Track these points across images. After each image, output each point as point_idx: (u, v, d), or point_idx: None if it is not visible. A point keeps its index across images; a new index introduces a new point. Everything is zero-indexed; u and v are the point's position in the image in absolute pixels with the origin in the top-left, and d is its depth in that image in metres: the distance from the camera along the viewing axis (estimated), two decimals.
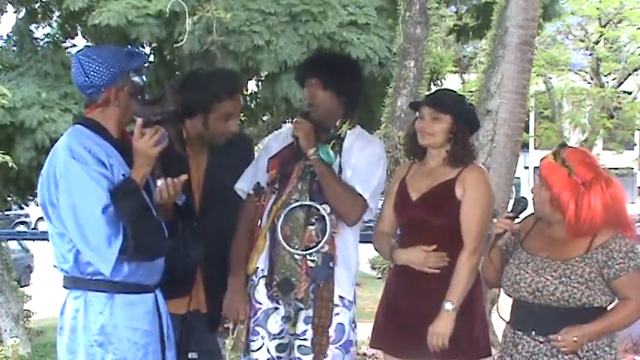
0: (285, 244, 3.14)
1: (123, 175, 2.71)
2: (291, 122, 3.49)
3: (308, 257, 3.14)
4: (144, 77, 2.83)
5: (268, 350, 3.19)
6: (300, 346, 3.19)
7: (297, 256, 3.14)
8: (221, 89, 3.21)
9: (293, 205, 3.16)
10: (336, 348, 3.17)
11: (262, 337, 3.19)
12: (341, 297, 3.18)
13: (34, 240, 12.01)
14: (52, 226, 2.76)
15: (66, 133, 2.80)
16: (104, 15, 8.19)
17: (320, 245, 3.13)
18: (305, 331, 3.18)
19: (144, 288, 2.79)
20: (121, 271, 2.70)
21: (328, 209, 3.15)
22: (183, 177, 2.80)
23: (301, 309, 3.18)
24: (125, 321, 2.74)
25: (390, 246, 3.29)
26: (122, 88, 2.75)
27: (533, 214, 3.00)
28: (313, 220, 3.15)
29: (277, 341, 3.19)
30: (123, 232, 2.64)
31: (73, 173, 2.66)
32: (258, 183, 3.27)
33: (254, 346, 3.21)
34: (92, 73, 2.73)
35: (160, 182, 2.78)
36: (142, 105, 2.74)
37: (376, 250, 3.43)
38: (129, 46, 7.94)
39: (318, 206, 3.15)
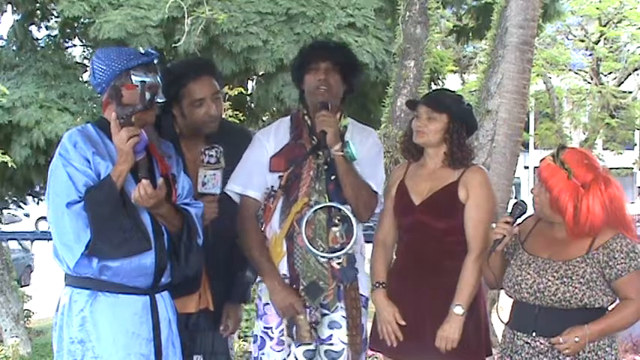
0: (311, 248, 3.09)
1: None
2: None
3: (334, 259, 3.10)
4: (157, 77, 2.84)
5: (296, 358, 3.15)
6: (326, 350, 3.17)
7: (322, 259, 3.11)
8: (182, 75, 3.21)
9: (315, 208, 3.11)
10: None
11: (289, 346, 3.16)
12: (361, 295, 3.18)
13: (34, 240, 11.98)
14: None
15: (71, 130, 2.87)
16: (104, 28, 8.17)
17: (349, 247, 3.10)
18: (330, 336, 3.16)
19: (132, 289, 2.79)
20: (89, 267, 2.71)
21: (350, 209, 3.12)
22: (160, 181, 2.79)
23: (325, 314, 3.15)
24: (107, 320, 2.75)
25: (379, 275, 3.24)
26: (121, 86, 2.78)
27: (533, 214, 2.99)
28: (336, 221, 3.11)
29: (303, 347, 3.15)
30: (91, 228, 2.67)
31: (55, 169, 2.75)
32: (272, 186, 3.18)
33: (280, 356, 3.18)
34: (97, 72, 2.81)
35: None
36: (118, 105, 2.77)
37: (370, 261, 3.36)
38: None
39: (340, 207, 3.11)
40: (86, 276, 2.74)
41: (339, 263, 3.12)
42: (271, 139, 3.24)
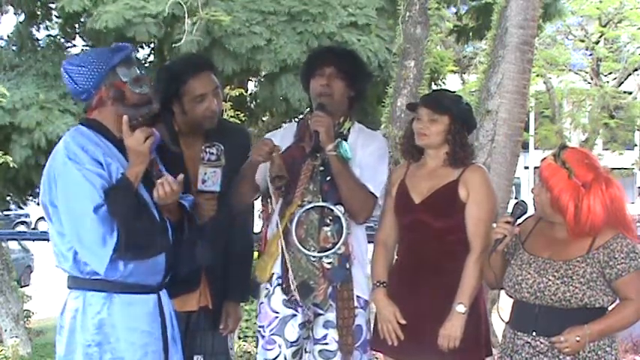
0: (300, 247, 3.11)
1: (122, 174, 2.72)
2: (290, 122, 3.43)
3: (324, 259, 3.12)
4: (136, 69, 2.81)
5: (285, 358, 3.17)
6: (321, 350, 3.18)
7: (313, 259, 3.12)
8: (182, 71, 3.20)
9: (307, 207, 3.13)
10: (354, 349, 3.18)
11: (279, 346, 3.18)
12: (358, 297, 3.18)
13: (34, 240, 12.00)
14: (52, 226, 2.77)
15: (67, 134, 2.82)
16: (102, 18, 8.19)
17: (337, 246, 3.11)
18: (325, 335, 3.17)
19: (144, 288, 2.79)
20: (116, 270, 2.70)
21: (342, 209, 3.13)
22: (180, 177, 2.79)
23: (320, 314, 3.16)
24: (123, 321, 2.75)
25: (379, 274, 3.24)
26: (113, 85, 2.76)
27: (534, 214, 2.99)
28: (328, 221, 3.13)
29: (293, 348, 3.18)
30: (117, 231, 2.65)
31: (68, 173, 2.69)
32: (267, 188, 3.21)
33: (270, 355, 3.19)
34: (79, 79, 2.75)
35: (157, 182, 2.78)
36: (128, 107, 2.75)
37: (370, 261, 3.35)
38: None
39: (332, 207, 3.13)
40: (98, 278, 2.72)
41: (329, 263, 3.13)
42: (277, 141, 3.25)
